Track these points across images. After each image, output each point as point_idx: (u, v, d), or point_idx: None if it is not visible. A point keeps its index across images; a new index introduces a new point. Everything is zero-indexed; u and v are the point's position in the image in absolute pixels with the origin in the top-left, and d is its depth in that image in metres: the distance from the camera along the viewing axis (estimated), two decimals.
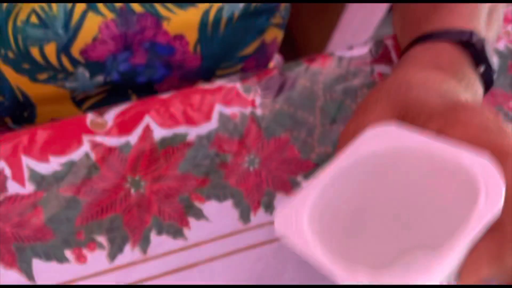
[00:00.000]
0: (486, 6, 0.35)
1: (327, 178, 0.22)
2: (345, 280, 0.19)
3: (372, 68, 0.38)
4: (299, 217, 0.21)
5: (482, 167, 0.21)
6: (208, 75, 0.44)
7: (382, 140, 0.23)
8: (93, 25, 0.36)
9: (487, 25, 0.34)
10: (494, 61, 0.32)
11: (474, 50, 0.31)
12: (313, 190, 0.22)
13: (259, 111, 0.34)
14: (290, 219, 0.21)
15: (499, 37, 0.42)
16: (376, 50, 0.39)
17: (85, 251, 0.28)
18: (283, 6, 0.44)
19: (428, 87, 0.27)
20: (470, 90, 0.30)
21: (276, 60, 0.62)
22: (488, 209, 0.20)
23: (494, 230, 0.21)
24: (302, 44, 0.87)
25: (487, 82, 0.32)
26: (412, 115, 0.25)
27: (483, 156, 0.21)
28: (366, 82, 0.37)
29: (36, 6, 0.35)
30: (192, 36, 0.40)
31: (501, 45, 0.42)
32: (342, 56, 0.38)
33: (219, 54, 0.43)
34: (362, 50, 0.39)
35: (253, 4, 0.41)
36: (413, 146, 0.23)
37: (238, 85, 0.35)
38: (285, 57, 0.71)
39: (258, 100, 0.35)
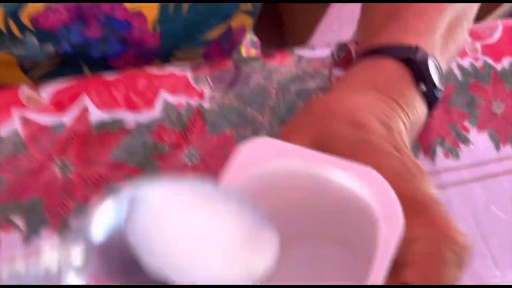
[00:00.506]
0: (446, 19, 0.34)
1: None
2: None
3: (330, 71, 0.37)
4: None
5: (372, 187, 0.20)
6: (167, 56, 0.43)
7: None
8: None
9: (445, 38, 0.33)
10: (436, 79, 0.31)
11: (416, 68, 0.30)
12: None
13: (206, 104, 0.33)
14: None
15: (464, 53, 0.41)
16: (339, 53, 0.38)
17: None
18: None
19: (352, 115, 0.26)
20: (410, 109, 0.29)
21: (251, 42, 0.60)
22: (392, 232, 0.19)
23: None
24: (290, 30, 0.86)
25: (432, 100, 0.31)
26: (325, 151, 0.24)
27: (370, 173, 0.20)
28: (322, 85, 0.36)
29: None
30: (151, 14, 0.38)
31: (465, 62, 0.41)
32: (302, 55, 0.37)
33: (180, 36, 0.41)
34: (323, 52, 0.37)
35: None
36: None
37: (189, 74, 0.34)
38: (272, 42, 0.69)
39: (207, 93, 0.33)
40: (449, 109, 0.39)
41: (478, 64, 0.42)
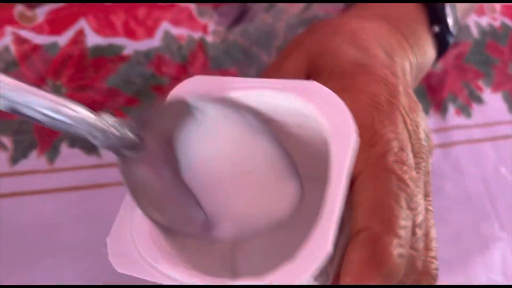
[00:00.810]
0: None
1: None
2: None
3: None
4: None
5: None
6: None
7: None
8: None
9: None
10: (450, 23, 0.29)
11: (432, 8, 0.28)
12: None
13: (210, 38, 0.31)
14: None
15: (482, 11, 0.39)
16: None
17: None
18: None
19: (355, 39, 0.24)
20: (418, 49, 0.27)
21: None
22: (344, 147, 0.16)
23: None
24: None
25: (442, 43, 0.29)
26: (316, 70, 0.22)
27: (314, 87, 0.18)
28: None
29: None
30: None
31: (483, 21, 0.39)
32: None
33: None
34: None
35: None
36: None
37: (193, 6, 0.32)
38: None
39: (211, 26, 0.32)
40: (464, 66, 0.37)
41: (496, 24, 0.40)
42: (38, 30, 0.28)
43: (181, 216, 0.18)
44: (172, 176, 0.18)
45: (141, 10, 0.30)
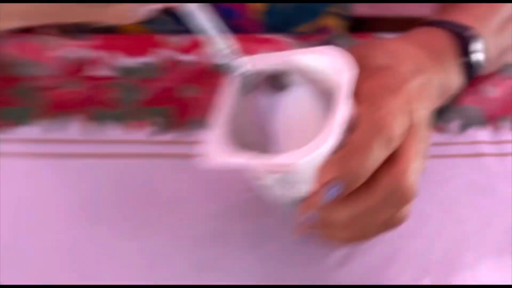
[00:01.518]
0: (503, 12, 0.38)
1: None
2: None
3: None
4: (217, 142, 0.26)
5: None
6: None
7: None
8: None
9: (498, 29, 0.38)
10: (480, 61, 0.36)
11: (464, 43, 0.35)
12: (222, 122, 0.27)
13: None
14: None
15: None
16: None
17: None
18: None
19: (389, 49, 0.32)
20: (446, 73, 0.34)
21: None
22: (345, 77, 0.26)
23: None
24: None
25: (470, 73, 0.36)
26: (360, 65, 0.29)
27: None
28: None
29: None
30: (257, 6, 0.47)
31: None
32: None
33: (276, 26, 0.49)
34: None
35: None
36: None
37: (290, 40, 0.42)
38: None
39: None
40: None
41: None
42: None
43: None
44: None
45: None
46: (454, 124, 0.40)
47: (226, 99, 0.27)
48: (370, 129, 0.26)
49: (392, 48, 0.32)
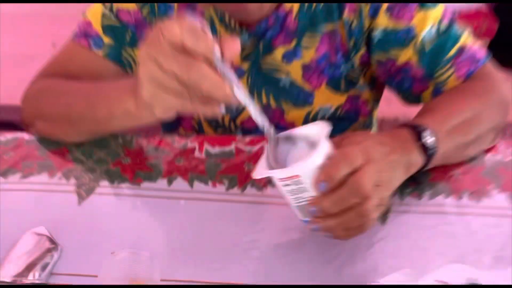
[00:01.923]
0: (454, 120, 0.59)
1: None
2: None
3: None
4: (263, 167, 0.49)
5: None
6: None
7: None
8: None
9: (448, 133, 0.57)
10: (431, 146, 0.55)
11: (418, 134, 0.55)
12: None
13: None
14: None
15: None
16: None
17: None
18: (367, 116, 0.75)
19: (365, 133, 0.55)
20: (404, 153, 0.53)
21: None
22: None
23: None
24: None
25: (427, 155, 0.55)
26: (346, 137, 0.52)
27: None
28: None
29: None
30: (298, 124, 0.72)
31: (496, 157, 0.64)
32: None
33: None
34: None
35: (338, 112, 0.73)
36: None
37: None
38: None
39: None
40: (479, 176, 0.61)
41: (507, 159, 0.64)
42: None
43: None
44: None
45: None
46: (429, 192, 0.60)
47: (267, 148, 0.50)
48: (340, 157, 0.47)
49: (371, 134, 0.54)
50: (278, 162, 0.49)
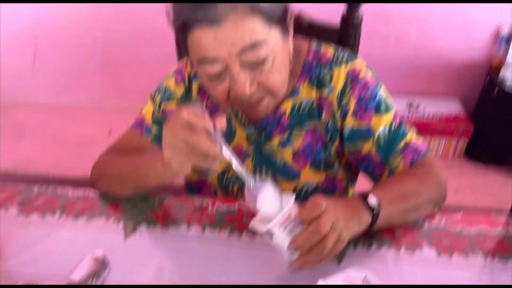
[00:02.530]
0: (394, 191, 0.79)
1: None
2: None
3: None
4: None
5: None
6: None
7: None
8: None
9: (390, 200, 0.76)
10: (374, 205, 0.73)
11: (366, 201, 0.74)
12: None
13: None
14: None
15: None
16: None
17: None
18: (342, 192, 0.95)
19: (330, 199, 0.69)
20: (356, 212, 0.71)
21: None
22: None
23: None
24: None
25: (374, 215, 0.73)
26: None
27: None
28: None
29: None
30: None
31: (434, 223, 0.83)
32: None
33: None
34: None
35: (319, 186, 0.94)
36: None
37: None
38: None
39: None
40: (416, 235, 0.80)
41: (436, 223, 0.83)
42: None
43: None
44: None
45: None
46: (375, 244, 0.78)
47: (246, 189, 0.68)
48: (310, 205, 0.66)
49: (330, 197, 0.74)
50: (253, 198, 0.66)
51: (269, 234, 0.66)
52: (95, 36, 2.07)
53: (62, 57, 2.14)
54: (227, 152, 0.66)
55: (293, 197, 0.68)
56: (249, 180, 0.67)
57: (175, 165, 0.70)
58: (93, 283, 0.71)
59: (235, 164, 0.67)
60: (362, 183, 0.98)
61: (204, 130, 0.65)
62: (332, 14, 1.18)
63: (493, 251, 0.76)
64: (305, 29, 1.12)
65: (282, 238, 0.66)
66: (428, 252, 0.77)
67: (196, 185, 1.00)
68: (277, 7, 0.76)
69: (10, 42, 2.12)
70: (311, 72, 0.90)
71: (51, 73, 2.20)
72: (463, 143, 1.84)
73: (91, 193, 0.92)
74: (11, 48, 2.14)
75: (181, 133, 0.66)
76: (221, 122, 0.66)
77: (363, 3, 1.13)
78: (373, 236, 0.79)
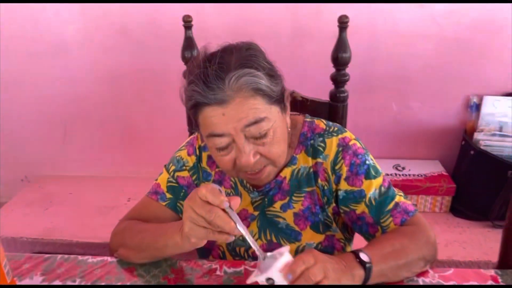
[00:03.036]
0: (385, 249, 0.76)
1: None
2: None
3: None
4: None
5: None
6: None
7: None
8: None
9: (381, 257, 0.74)
10: (366, 261, 0.71)
11: (359, 259, 0.72)
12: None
13: None
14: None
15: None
16: None
17: None
18: (341, 250, 0.91)
19: (328, 261, 0.68)
20: (348, 267, 0.69)
21: None
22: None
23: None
24: None
25: (366, 270, 0.70)
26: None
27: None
28: None
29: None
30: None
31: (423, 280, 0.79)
32: None
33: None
34: None
35: (319, 247, 0.90)
36: None
37: None
38: None
39: None
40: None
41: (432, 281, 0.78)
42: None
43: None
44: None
45: None
46: None
47: (259, 261, 0.66)
48: (300, 259, 0.63)
49: (325, 255, 0.71)
50: (266, 270, 0.64)
51: (269, 282, 0.64)
52: (117, 115, 2.12)
53: (88, 134, 2.18)
54: (240, 227, 0.65)
55: (288, 248, 0.67)
56: (260, 253, 0.67)
57: (194, 238, 0.69)
58: None
59: (249, 238, 0.67)
60: (360, 244, 0.94)
61: (221, 208, 0.65)
62: (322, 91, 1.21)
63: None
64: (300, 104, 1.14)
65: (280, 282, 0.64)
66: None
67: (207, 247, 0.97)
68: (275, 88, 0.78)
69: (42, 121, 2.17)
70: (306, 141, 0.90)
71: (79, 148, 2.22)
72: (447, 200, 1.80)
73: (109, 259, 0.89)
74: (43, 127, 2.19)
75: (200, 210, 0.65)
76: (235, 201, 0.66)
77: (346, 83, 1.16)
78: None
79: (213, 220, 0.65)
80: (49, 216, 1.94)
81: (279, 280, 0.63)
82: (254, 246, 0.66)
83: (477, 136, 1.74)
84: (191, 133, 1.21)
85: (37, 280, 0.83)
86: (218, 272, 0.83)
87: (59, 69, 2.05)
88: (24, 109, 2.15)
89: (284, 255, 0.65)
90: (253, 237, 0.90)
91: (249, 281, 0.66)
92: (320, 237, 0.91)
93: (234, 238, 0.68)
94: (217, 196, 0.65)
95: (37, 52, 2.01)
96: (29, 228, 1.84)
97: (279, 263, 0.64)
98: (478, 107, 1.81)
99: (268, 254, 0.68)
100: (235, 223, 0.65)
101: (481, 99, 1.80)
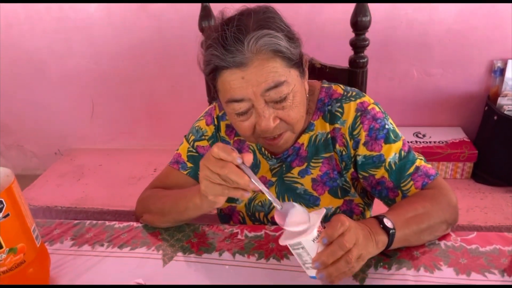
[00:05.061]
0: (407, 214, 0.72)
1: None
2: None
3: None
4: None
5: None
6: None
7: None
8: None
9: (407, 220, 0.71)
10: (390, 227, 0.68)
11: (383, 225, 0.68)
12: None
13: None
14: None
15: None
16: None
17: None
18: (359, 215, 0.89)
19: (358, 227, 0.65)
20: (372, 233, 0.66)
21: None
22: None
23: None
24: None
25: (389, 236, 0.68)
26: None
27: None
28: None
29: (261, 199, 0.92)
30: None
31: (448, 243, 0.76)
32: None
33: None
34: None
35: (338, 211, 0.88)
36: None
37: None
38: None
39: None
40: (434, 256, 0.72)
41: (457, 244, 0.75)
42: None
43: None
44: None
45: None
46: (395, 265, 0.71)
47: (276, 211, 0.63)
48: (334, 223, 0.61)
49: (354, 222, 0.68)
50: (282, 218, 0.62)
51: (296, 247, 0.61)
52: (141, 90, 2.11)
53: (114, 109, 2.19)
54: (255, 180, 0.63)
55: (323, 213, 0.63)
56: (277, 203, 0.64)
57: (210, 195, 0.68)
58: None
59: (265, 190, 0.63)
60: (379, 209, 0.91)
61: (234, 164, 0.63)
62: (341, 59, 1.15)
63: (509, 269, 0.68)
64: (318, 71, 1.09)
65: (309, 251, 0.60)
66: (447, 272, 0.69)
67: (227, 213, 0.96)
68: (294, 50, 0.75)
69: (70, 98, 2.19)
70: (324, 108, 0.87)
71: (106, 123, 2.24)
72: (468, 166, 1.74)
73: (135, 224, 0.89)
74: (72, 103, 2.22)
75: (214, 167, 0.64)
76: (248, 157, 0.64)
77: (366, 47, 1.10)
78: (392, 257, 0.72)
79: (227, 175, 0.63)
80: (81, 186, 1.98)
81: (309, 247, 0.60)
82: (270, 197, 0.63)
83: (501, 101, 1.65)
84: (210, 103, 1.19)
85: (67, 244, 0.84)
86: (239, 236, 0.82)
87: (84, 47, 2.04)
88: (54, 86, 2.18)
89: (318, 220, 0.62)
90: None
91: (281, 243, 0.63)
92: (338, 202, 0.88)
93: (249, 194, 0.65)
94: (230, 153, 0.63)
95: (63, 29, 2.00)
96: (63, 198, 1.89)
97: (311, 228, 0.61)
98: (502, 71, 1.71)
99: (286, 203, 0.65)
100: (249, 177, 0.62)
101: (505, 64, 1.69)
